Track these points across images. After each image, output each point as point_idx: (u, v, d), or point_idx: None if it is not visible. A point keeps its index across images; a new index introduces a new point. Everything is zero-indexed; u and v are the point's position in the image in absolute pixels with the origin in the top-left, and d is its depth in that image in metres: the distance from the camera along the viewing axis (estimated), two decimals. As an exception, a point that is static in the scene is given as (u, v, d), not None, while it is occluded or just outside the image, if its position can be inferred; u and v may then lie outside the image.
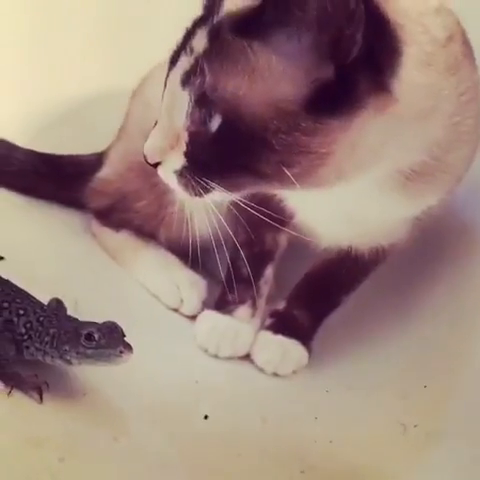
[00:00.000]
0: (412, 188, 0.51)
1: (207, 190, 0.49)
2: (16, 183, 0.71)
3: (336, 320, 0.64)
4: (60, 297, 0.56)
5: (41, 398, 0.49)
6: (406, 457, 0.55)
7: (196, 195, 0.49)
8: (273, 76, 0.45)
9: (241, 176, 0.48)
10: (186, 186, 0.49)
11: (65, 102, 0.80)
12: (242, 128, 0.46)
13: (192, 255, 0.69)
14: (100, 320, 0.51)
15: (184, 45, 0.48)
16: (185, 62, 0.47)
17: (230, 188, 0.49)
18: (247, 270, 0.63)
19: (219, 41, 0.46)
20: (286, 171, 0.46)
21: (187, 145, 0.48)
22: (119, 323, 0.50)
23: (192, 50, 0.47)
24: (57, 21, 0.82)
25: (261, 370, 0.62)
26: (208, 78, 0.46)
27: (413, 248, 0.60)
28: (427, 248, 0.63)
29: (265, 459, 0.54)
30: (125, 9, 0.83)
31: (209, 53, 0.46)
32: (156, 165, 0.50)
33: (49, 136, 0.77)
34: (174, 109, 0.48)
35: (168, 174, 0.50)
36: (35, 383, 0.50)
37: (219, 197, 0.49)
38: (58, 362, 0.51)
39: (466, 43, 0.51)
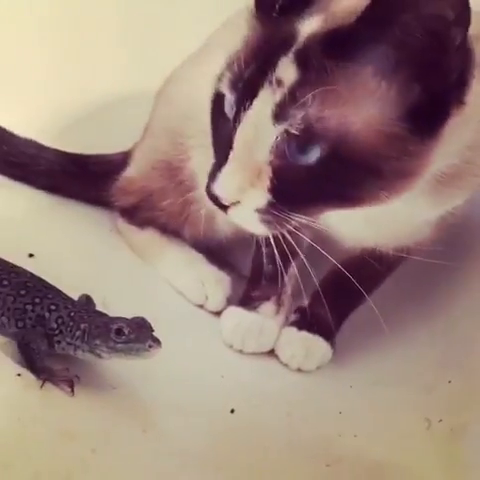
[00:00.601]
0: (441, 190, 0.51)
1: (289, 222, 0.47)
2: (44, 182, 0.73)
3: (360, 316, 0.64)
4: (88, 294, 0.58)
5: (73, 391, 0.51)
6: (431, 452, 0.55)
7: (277, 229, 0.47)
8: (376, 98, 0.44)
9: (331, 204, 0.47)
10: (269, 222, 0.47)
11: (90, 102, 0.81)
12: (351, 157, 0.44)
13: (216, 252, 0.70)
14: (127, 316, 0.52)
15: (259, 76, 0.45)
16: (273, 95, 0.44)
17: (311, 215, 0.47)
18: (271, 267, 0.64)
19: (314, 69, 0.44)
20: (383, 194, 0.45)
21: (271, 180, 0.46)
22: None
23: (280, 81, 0.44)
24: (82, 21, 0.83)
25: (285, 366, 0.62)
26: (312, 110, 0.43)
27: (439, 245, 0.60)
28: (454, 245, 0.63)
29: (291, 453, 0.55)
30: (149, 10, 0.84)
31: (305, 83, 0.44)
32: (227, 207, 0.47)
33: (74, 136, 0.78)
34: (257, 144, 0.45)
35: (248, 214, 0.47)
36: (66, 376, 0.51)
37: (294, 225, 0.48)
38: (89, 356, 0.52)
39: None
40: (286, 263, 0.64)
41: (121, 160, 0.73)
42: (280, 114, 0.44)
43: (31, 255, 0.63)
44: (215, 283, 0.67)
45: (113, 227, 0.72)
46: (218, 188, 0.47)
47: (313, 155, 0.44)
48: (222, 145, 0.47)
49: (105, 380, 0.53)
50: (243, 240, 0.67)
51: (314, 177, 0.45)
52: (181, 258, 0.69)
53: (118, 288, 0.63)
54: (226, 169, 0.46)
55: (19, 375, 0.51)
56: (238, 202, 0.47)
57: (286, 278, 0.65)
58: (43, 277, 0.56)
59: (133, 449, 0.50)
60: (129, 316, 0.52)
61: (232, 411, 0.56)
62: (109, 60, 0.83)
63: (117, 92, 0.82)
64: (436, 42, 0.43)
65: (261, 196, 0.46)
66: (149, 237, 0.70)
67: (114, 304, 0.57)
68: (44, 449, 0.47)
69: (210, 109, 0.50)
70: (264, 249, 0.64)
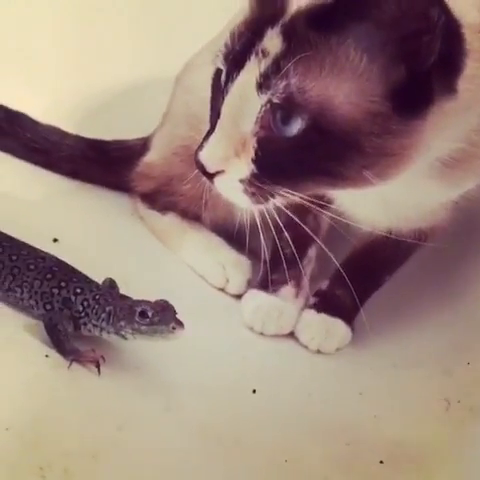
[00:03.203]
0: (450, 174, 0.52)
1: (273, 196, 0.47)
2: (66, 168, 0.74)
3: (380, 298, 0.65)
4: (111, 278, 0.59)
5: (99, 371, 0.52)
6: (449, 432, 0.56)
7: (260, 203, 0.48)
8: (358, 73, 0.44)
9: (315, 179, 0.47)
10: (253, 194, 0.47)
11: (110, 89, 0.82)
12: (333, 131, 0.44)
13: (236, 236, 0.70)
14: (150, 300, 0.53)
15: (248, 48, 0.46)
16: (258, 65, 0.45)
17: (297, 191, 0.47)
18: (291, 250, 0.64)
19: (298, 40, 0.45)
20: (368, 174, 0.46)
21: (256, 151, 0.46)
22: (168, 303, 0.52)
23: (265, 52, 0.45)
24: (102, 8, 0.83)
25: (305, 348, 0.63)
26: (295, 80, 0.44)
27: (460, 227, 0.60)
28: (472, 229, 0.64)
29: (311, 432, 0.55)
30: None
31: (289, 53, 0.45)
32: (212, 176, 0.48)
33: (95, 122, 0.79)
34: (242, 114, 0.46)
35: (231, 184, 0.47)
36: (93, 357, 0.52)
37: (282, 201, 0.48)
38: (114, 337, 0.53)
39: None
40: (305, 247, 0.65)
41: (141, 146, 0.73)
42: (264, 84, 0.45)
43: (55, 240, 0.64)
44: (235, 267, 0.68)
45: (134, 212, 0.73)
46: (203, 156, 0.47)
47: (295, 126, 0.45)
48: (214, 117, 0.48)
49: (130, 361, 0.54)
50: (263, 224, 0.68)
51: (296, 149, 0.45)
52: (202, 242, 0.70)
53: (140, 272, 0.64)
54: (212, 138, 0.47)
55: (47, 356, 0.52)
56: (223, 171, 0.47)
57: (305, 261, 0.65)
58: (67, 261, 0.57)
59: (157, 427, 0.51)
60: (152, 300, 0.53)
61: (254, 391, 0.57)
62: (129, 47, 0.84)
63: (137, 78, 0.82)
64: (416, 22, 0.43)
65: (245, 167, 0.47)
66: (170, 222, 0.71)
67: (137, 288, 0.58)
68: (72, 427, 0.49)
69: (211, 85, 0.51)
70: (284, 233, 0.64)
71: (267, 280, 0.66)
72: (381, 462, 0.53)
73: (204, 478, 0.50)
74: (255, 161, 0.47)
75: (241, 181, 0.47)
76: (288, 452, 0.53)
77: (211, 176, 0.48)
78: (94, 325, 0.53)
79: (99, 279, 0.57)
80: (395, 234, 0.61)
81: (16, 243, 0.57)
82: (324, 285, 0.66)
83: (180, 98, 0.71)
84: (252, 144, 0.46)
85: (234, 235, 0.70)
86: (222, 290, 0.68)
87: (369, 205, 0.58)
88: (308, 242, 0.65)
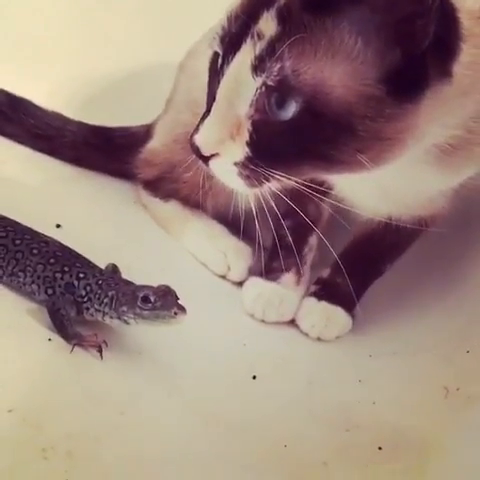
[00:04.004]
0: (448, 161, 0.52)
1: (268, 180, 0.47)
2: (69, 154, 0.74)
3: (380, 286, 0.65)
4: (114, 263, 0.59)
5: (101, 355, 0.52)
6: (448, 419, 0.56)
7: (255, 186, 0.48)
8: (353, 57, 0.44)
9: (310, 163, 0.47)
10: (247, 177, 0.47)
11: (113, 75, 0.82)
12: (326, 114, 0.44)
13: (237, 224, 0.71)
14: (152, 285, 0.53)
15: (244, 30, 0.46)
16: (253, 48, 0.45)
17: (292, 175, 0.48)
18: (291, 238, 0.64)
19: (293, 22, 0.45)
20: (362, 158, 0.46)
21: (251, 134, 0.46)
22: (169, 289, 0.53)
23: (261, 34, 0.45)
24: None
25: (306, 335, 0.64)
26: (289, 63, 0.44)
27: (460, 215, 0.61)
28: (475, 215, 0.64)
29: (311, 418, 0.56)
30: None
31: (284, 36, 0.45)
32: (207, 159, 0.48)
33: (98, 108, 0.79)
34: (237, 97, 0.46)
35: (226, 167, 0.48)
36: (95, 342, 0.52)
37: (277, 185, 0.48)
38: (116, 322, 0.54)
39: None
40: (306, 234, 0.65)
41: (144, 133, 0.73)
42: (258, 66, 0.45)
43: (58, 226, 0.64)
44: (237, 254, 0.68)
45: (136, 200, 0.73)
46: (198, 139, 0.48)
47: (290, 110, 0.45)
48: (210, 100, 0.49)
49: (132, 345, 0.55)
50: (263, 212, 0.68)
51: (290, 133, 0.46)
52: (203, 230, 0.70)
53: (142, 258, 0.65)
54: (207, 121, 0.48)
55: (50, 340, 0.52)
56: (217, 154, 0.48)
57: (306, 249, 0.66)
58: (70, 247, 0.58)
59: (158, 412, 0.52)
60: (154, 285, 0.53)
61: (254, 378, 0.57)
62: (131, 33, 0.83)
63: (139, 65, 0.82)
64: (410, 5, 0.43)
65: (239, 149, 0.47)
66: (172, 209, 0.71)
67: (139, 274, 0.58)
68: (74, 410, 0.49)
69: (208, 69, 0.51)
70: (283, 221, 0.65)
71: (268, 268, 0.66)
72: (380, 448, 0.53)
73: (205, 462, 0.50)
74: (250, 144, 0.47)
75: (235, 164, 0.48)
76: (287, 438, 0.53)
77: (206, 159, 0.48)
78: (96, 310, 0.54)
79: (102, 265, 0.58)
80: (395, 222, 0.61)
81: (20, 228, 0.57)
82: (325, 273, 0.66)
83: (184, 85, 0.70)
84: (247, 127, 0.47)
85: (236, 223, 0.70)
86: (223, 277, 0.68)
87: (367, 192, 0.58)
88: (309, 230, 0.65)
